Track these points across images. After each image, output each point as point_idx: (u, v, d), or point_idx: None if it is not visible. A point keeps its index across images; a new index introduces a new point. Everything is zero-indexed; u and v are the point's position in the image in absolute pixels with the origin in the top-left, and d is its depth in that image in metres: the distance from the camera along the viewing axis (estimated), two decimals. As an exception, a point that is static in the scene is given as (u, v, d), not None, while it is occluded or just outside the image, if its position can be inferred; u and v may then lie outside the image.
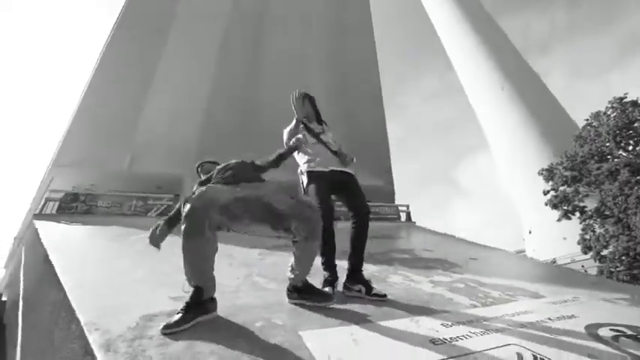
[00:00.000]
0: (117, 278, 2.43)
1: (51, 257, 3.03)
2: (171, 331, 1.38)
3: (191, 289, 1.61)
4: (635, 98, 13.69)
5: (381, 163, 18.43)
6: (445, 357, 1.28)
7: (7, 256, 15.01)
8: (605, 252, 13.50)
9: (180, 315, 1.46)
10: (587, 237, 14.00)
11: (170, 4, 14.97)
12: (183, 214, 1.65)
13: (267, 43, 16.23)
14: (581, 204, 14.20)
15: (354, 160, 2.67)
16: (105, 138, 13.68)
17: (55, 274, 2.55)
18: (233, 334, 1.46)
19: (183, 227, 1.64)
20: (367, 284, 2.20)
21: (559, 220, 15.34)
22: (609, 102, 14.17)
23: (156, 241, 1.93)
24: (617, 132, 13.41)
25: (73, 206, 10.45)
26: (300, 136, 2.47)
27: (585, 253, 14.20)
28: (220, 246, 1.90)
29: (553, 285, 2.62)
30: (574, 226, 15.41)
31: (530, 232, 26.63)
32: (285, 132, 2.64)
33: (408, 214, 12.58)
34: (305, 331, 1.49)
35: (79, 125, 13.61)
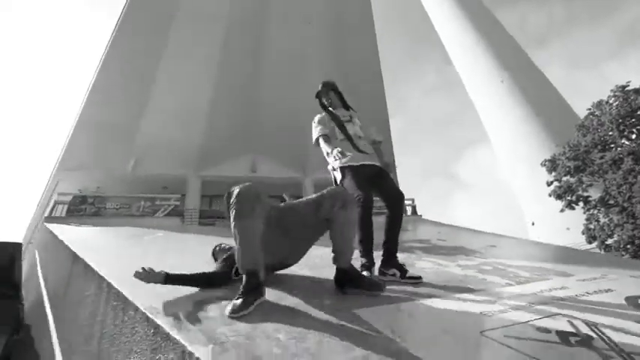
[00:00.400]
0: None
1: (82, 255, 3.08)
2: (238, 315, 1.42)
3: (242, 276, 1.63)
4: (638, 86, 13.73)
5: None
6: (506, 324, 1.33)
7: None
8: (609, 241, 13.56)
9: (241, 299, 1.50)
10: (592, 226, 14.06)
11: (169, 6, 14.97)
12: (233, 197, 1.70)
13: (268, 43, 16.28)
14: (585, 194, 14.27)
15: (388, 161, 2.73)
16: (109, 141, 13.75)
17: (91, 270, 2.61)
18: (288, 315, 1.51)
19: (234, 211, 1.68)
20: (402, 268, 2.26)
21: (562, 210, 15.41)
22: (611, 90, 14.20)
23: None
24: (620, 120, 13.46)
25: (81, 208, 10.55)
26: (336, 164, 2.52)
27: (590, 242, 14.26)
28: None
29: (578, 265, 2.67)
30: (577, 216, 15.47)
31: (533, 224, 26.76)
32: (315, 127, 2.67)
33: (414, 208, 12.67)
34: (359, 309, 1.54)
35: (83, 128, 13.67)
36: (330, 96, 2.81)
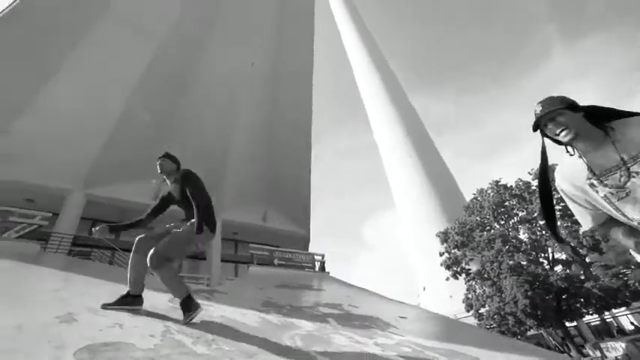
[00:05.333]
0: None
1: None
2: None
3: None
4: (505, 182, 17.09)
5: (300, 209, 18.53)
6: None
7: None
8: (482, 310, 15.49)
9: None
10: (470, 296, 15.96)
11: (97, 7, 13.27)
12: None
13: (202, 70, 15.59)
14: (467, 266, 16.36)
15: None
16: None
17: None
18: None
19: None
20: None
21: (447, 279, 17.30)
22: (489, 183, 17.35)
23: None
24: (495, 207, 16.32)
25: None
26: None
27: (468, 311, 16.05)
28: (118, 286, 1.46)
29: (486, 349, 2.70)
30: (460, 285, 17.47)
31: (424, 289, 29.36)
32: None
33: (323, 264, 12.57)
34: None
35: None
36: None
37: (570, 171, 1.30)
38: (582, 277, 13.43)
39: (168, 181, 2.73)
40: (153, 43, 14.20)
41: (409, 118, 43.37)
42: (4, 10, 10.95)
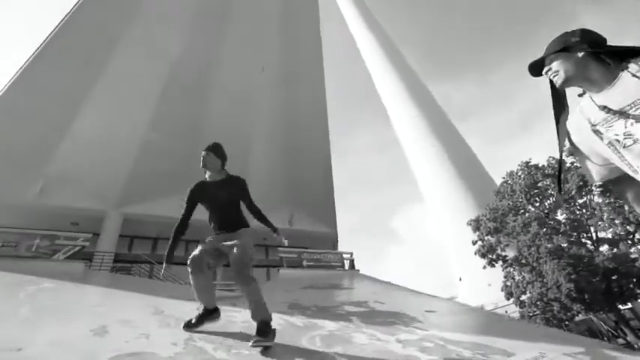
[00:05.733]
0: (6, 349, 1.76)
1: None
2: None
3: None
4: (537, 162, 16.21)
5: (325, 210, 18.60)
6: None
7: None
8: (523, 297, 14.78)
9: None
10: (509, 284, 15.27)
11: (113, 31, 14.12)
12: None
13: (217, 84, 16.07)
14: (503, 253, 15.67)
15: None
16: (7, 161, 11.57)
17: None
18: None
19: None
20: None
21: (484, 267, 16.65)
22: (519, 164, 16.53)
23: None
24: (527, 190, 15.52)
25: (-53, 245, 8.29)
26: None
27: (508, 299, 15.38)
28: (152, 298, 1.54)
29: (515, 340, 2.59)
30: (499, 272, 16.79)
31: (460, 279, 28.45)
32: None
33: (352, 262, 12.53)
34: None
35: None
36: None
37: (577, 119, 1.19)
38: (634, 256, 12.47)
39: (207, 176, 2.62)
40: (167, 61, 14.81)
41: (428, 108, 42.28)
42: (35, 52, 11.85)
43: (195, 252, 2.41)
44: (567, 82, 1.15)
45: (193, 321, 2.43)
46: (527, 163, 16.51)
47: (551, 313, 14.00)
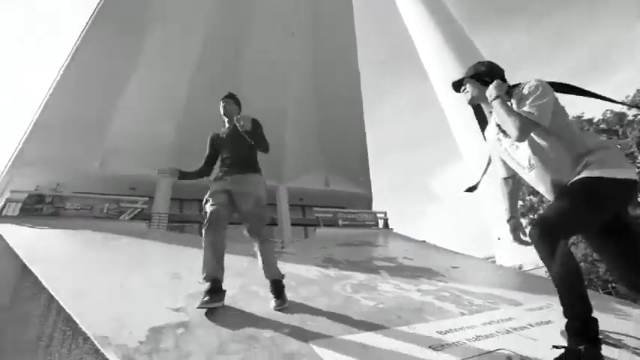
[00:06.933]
0: (112, 289, 2.38)
1: (31, 267, 2.90)
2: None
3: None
4: (590, 117, 14.84)
5: (359, 169, 18.86)
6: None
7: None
8: (565, 258, 14.45)
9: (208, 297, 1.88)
10: (551, 244, 14.92)
11: (146, 8, 14.51)
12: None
13: (250, 48, 16.15)
14: (546, 213, 15.14)
15: None
16: (74, 136, 13.00)
17: (40, 285, 2.46)
18: (244, 346, 1.50)
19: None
20: None
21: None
22: (569, 120, 15.26)
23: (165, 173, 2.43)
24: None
25: (37, 208, 9.85)
26: None
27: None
28: (200, 250, 2.02)
29: (527, 292, 2.84)
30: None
31: (499, 239, 28.01)
32: None
33: (386, 221, 12.92)
34: (314, 340, 1.57)
35: (46, 121, 12.87)
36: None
37: (489, 128, 1.70)
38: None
39: (226, 124, 2.63)
40: (200, 29, 15.10)
41: (471, 62, 38.95)
42: (81, 32, 12.66)
43: (213, 206, 2.12)
44: (472, 100, 1.63)
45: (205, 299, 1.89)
46: (580, 117, 15.17)
47: (596, 274, 13.63)
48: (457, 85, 1.69)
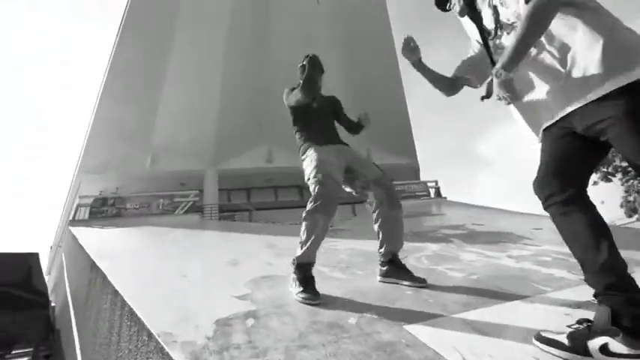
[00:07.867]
0: (173, 281, 2.27)
1: (99, 264, 2.93)
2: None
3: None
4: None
5: (403, 141, 17.95)
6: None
7: (48, 263, 15.71)
8: (650, 212, 12.73)
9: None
10: (631, 199, 13.19)
11: (171, 6, 14.62)
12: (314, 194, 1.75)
13: (275, 27, 15.75)
14: (623, 164, 13.32)
15: None
16: (124, 141, 13.83)
17: (106, 281, 2.44)
18: (330, 337, 1.23)
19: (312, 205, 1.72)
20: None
21: (596, 183, 14.52)
22: None
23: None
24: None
25: (103, 210, 10.66)
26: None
27: (630, 216, 13.42)
28: (261, 237, 1.75)
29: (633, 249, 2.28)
30: (612, 188, 14.57)
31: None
32: None
33: (438, 190, 12.19)
34: (410, 324, 1.26)
35: (98, 131, 13.80)
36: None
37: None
38: None
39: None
40: (224, 16, 14.96)
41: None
42: (117, 36, 13.10)
43: (327, 184, 1.74)
44: (464, 10, 1.33)
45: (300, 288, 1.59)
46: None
47: None
48: (442, 2, 1.42)
